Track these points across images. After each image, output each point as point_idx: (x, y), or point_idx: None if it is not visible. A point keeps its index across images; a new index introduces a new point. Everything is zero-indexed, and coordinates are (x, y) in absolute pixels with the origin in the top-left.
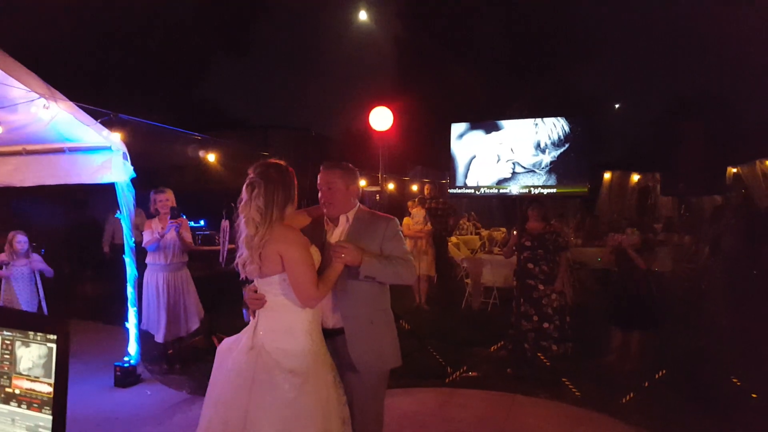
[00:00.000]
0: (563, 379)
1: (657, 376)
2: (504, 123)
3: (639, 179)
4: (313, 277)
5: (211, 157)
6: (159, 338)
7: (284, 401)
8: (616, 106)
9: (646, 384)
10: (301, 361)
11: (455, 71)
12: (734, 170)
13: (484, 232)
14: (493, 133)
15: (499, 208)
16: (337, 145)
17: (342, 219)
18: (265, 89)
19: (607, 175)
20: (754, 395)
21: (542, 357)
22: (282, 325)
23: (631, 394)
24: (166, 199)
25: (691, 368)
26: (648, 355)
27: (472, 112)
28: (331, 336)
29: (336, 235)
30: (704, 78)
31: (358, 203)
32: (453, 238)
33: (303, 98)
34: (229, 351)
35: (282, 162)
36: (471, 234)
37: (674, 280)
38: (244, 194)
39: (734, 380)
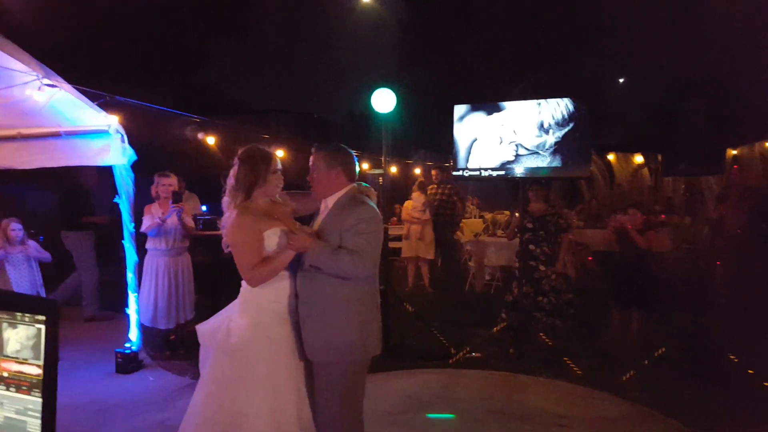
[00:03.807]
0: (564, 358)
1: (656, 354)
2: (506, 104)
3: (641, 160)
4: (249, 260)
5: (211, 141)
6: (161, 324)
7: (216, 375)
8: (619, 86)
9: (646, 362)
10: (239, 336)
11: (458, 52)
12: (733, 152)
13: (488, 215)
14: (495, 115)
15: (502, 190)
16: (340, 128)
17: (322, 204)
18: (267, 72)
19: (610, 156)
20: (750, 371)
21: (544, 337)
22: (239, 300)
23: (632, 372)
24: (169, 183)
25: (690, 346)
26: (648, 334)
27: (474, 93)
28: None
29: (318, 220)
30: (706, 59)
31: (351, 187)
32: (461, 222)
33: (305, 81)
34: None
35: (261, 146)
36: (474, 217)
37: (674, 260)
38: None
39: (731, 357)
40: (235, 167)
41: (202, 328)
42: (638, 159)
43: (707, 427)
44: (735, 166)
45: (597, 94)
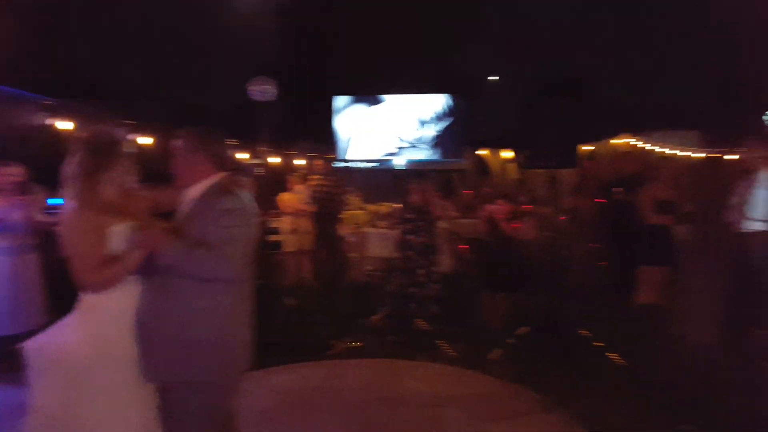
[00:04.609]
0: (439, 342)
1: (521, 333)
2: (387, 97)
3: (510, 155)
4: (87, 261)
5: (64, 126)
6: (2, 331)
7: (49, 401)
8: (493, 83)
9: (511, 341)
10: (75, 353)
11: (339, 44)
12: (589, 147)
13: (372, 207)
14: (376, 107)
15: (385, 182)
16: (221, 116)
17: (186, 196)
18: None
19: (482, 151)
20: (597, 343)
21: (420, 323)
22: (77, 310)
23: (499, 351)
24: (9, 174)
25: (549, 324)
26: (514, 315)
27: (355, 85)
28: None
29: (179, 213)
30: (563, 61)
31: (220, 176)
32: (344, 214)
33: (180, 66)
34: None
35: (109, 129)
36: (357, 209)
37: (538, 247)
38: None
39: (583, 332)
40: (77, 154)
41: (31, 345)
42: (507, 153)
43: (562, 396)
44: (588, 161)
45: (473, 91)
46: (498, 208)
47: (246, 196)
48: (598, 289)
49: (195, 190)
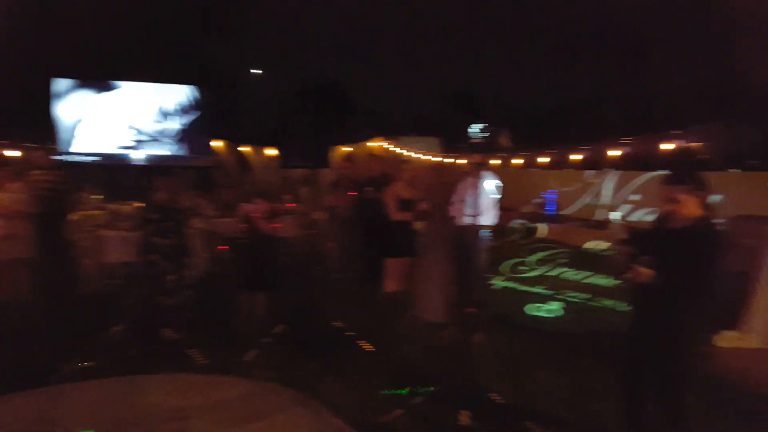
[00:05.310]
0: (189, 351)
1: (276, 332)
2: (122, 83)
3: (273, 153)
4: None
5: None
6: None
7: None
8: (256, 81)
9: (268, 340)
10: None
11: (66, 18)
12: (347, 149)
13: (113, 207)
14: (108, 94)
15: (125, 179)
16: None
17: None
18: None
19: (245, 148)
20: (349, 333)
21: (168, 333)
22: None
23: (256, 352)
24: None
25: (306, 320)
26: (272, 314)
27: (81, 68)
28: None
29: None
30: (329, 64)
31: None
32: (75, 215)
33: None
34: None
35: None
36: (95, 209)
37: (299, 245)
38: None
39: (336, 324)
40: None
41: None
42: (270, 151)
43: (317, 389)
44: (345, 161)
45: (231, 87)
46: (255, 207)
47: None
48: (351, 281)
49: None
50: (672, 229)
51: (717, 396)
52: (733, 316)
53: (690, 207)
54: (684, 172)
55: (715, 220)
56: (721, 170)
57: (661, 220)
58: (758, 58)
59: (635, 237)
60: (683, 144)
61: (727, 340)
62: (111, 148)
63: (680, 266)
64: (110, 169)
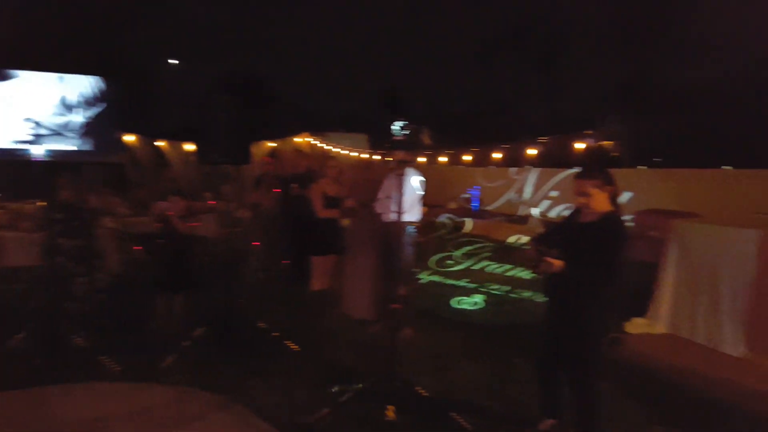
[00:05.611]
0: (101, 358)
1: (196, 334)
2: (19, 72)
3: (192, 148)
4: None
5: None
6: None
7: None
8: (172, 75)
9: (187, 344)
10: None
11: None
12: (272, 144)
13: (14, 206)
14: (4, 83)
15: (25, 176)
16: None
17: None
18: None
19: (161, 143)
20: (275, 334)
21: (78, 340)
22: None
23: (174, 356)
24: None
25: (227, 321)
26: (191, 316)
27: None
28: None
29: None
30: (253, 57)
31: None
32: None
33: None
34: None
35: None
36: None
37: (220, 243)
38: None
39: (261, 324)
40: None
41: None
42: (188, 146)
43: (240, 391)
44: (270, 157)
45: (143, 78)
46: (171, 205)
47: None
48: (276, 280)
49: None
50: (581, 223)
51: (627, 380)
52: (641, 304)
53: (599, 201)
54: (594, 167)
55: (621, 215)
56: (630, 167)
57: (573, 214)
58: (662, 61)
59: (550, 231)
60: (594, 143)
61: (636, 326)
62: (5, 143)
63: (586, 258)
64: (10, 166)
